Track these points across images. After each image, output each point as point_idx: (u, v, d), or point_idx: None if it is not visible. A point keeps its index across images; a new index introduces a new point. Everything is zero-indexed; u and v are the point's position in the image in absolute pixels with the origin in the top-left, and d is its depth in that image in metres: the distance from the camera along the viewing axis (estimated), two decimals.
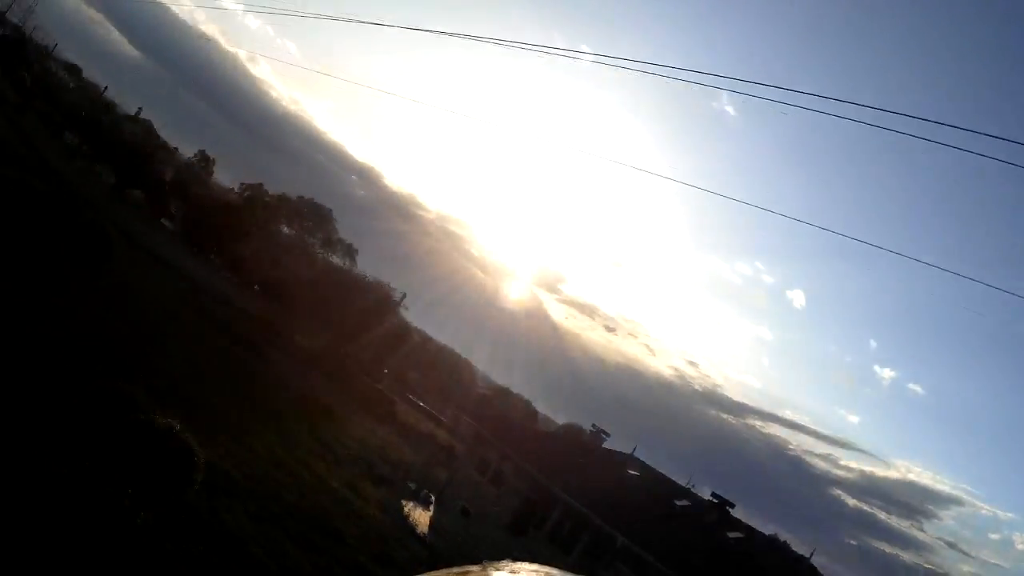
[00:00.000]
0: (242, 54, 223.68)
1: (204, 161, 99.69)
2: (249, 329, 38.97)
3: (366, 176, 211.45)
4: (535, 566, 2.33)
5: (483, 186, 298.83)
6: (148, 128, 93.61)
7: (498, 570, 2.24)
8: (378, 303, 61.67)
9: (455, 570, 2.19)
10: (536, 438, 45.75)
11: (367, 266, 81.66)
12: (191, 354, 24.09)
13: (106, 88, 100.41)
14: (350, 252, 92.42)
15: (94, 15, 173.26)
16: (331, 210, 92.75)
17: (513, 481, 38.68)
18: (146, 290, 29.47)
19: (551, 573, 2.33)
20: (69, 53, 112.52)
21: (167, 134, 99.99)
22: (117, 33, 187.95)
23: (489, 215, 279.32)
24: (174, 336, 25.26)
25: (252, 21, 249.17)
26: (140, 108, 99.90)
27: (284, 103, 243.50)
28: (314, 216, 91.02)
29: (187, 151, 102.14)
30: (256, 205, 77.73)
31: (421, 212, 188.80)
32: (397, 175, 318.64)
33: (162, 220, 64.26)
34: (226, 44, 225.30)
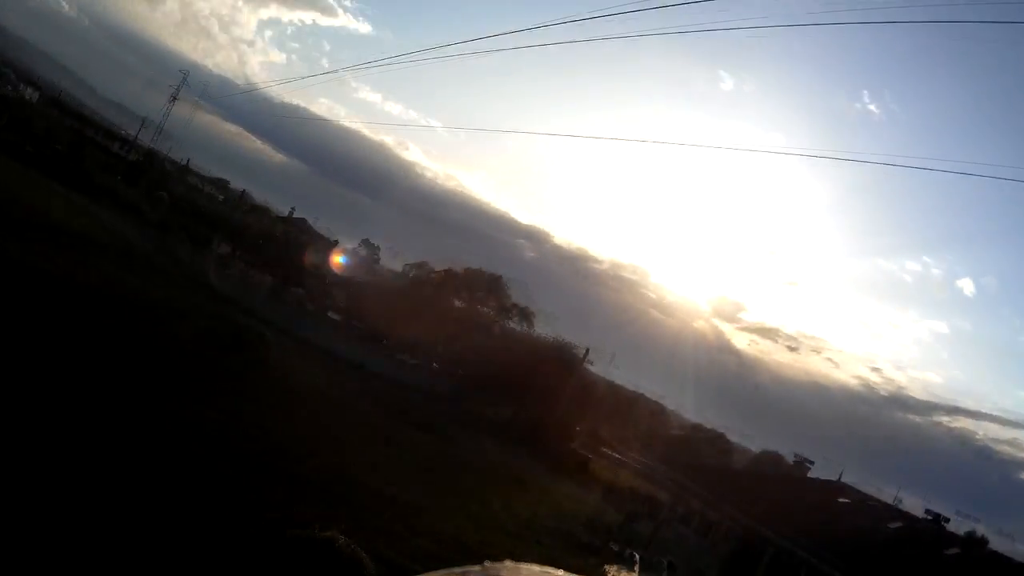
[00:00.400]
0: (389, 140, 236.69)
1: (367, 249, 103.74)
2: (430, 410, 39.89)
3: (534, 238, 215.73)
4: (536, 567, 2.19)
5: (650, 226, 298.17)
6: (302, 226, 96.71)
7: (499, 571, 2.14)
8: (562, 362, 61.33)
9: (456, 570, 2.06)
10: (735, 476, 43.72)
11: (545, 326, 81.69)
12: (367, 444, 24.54)
13: (244, 192, 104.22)
14: (526, 316, 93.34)
15: (232, 128, 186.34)
16: (501, 276, 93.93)
17: (720, 526, 36.87)
18: (310, 384, 30.24)
19: (553, 574, 2.17)
20: (212, 166, 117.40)
21: (327, 229, 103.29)
22: (259, 142, 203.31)
23: (660, 255, 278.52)
24: (346, 427, 25.83)
25: (393, 107, 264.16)
26: (293, 208, 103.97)
27: (440, 181, 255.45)
28: (484, 285, 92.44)
29: (351, 243, 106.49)
30: (423, 283, 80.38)
31: (594, 264, 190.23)
32: (565, 231, 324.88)
33: (328, 313, 66.39)
34: (371, 134, 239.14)
